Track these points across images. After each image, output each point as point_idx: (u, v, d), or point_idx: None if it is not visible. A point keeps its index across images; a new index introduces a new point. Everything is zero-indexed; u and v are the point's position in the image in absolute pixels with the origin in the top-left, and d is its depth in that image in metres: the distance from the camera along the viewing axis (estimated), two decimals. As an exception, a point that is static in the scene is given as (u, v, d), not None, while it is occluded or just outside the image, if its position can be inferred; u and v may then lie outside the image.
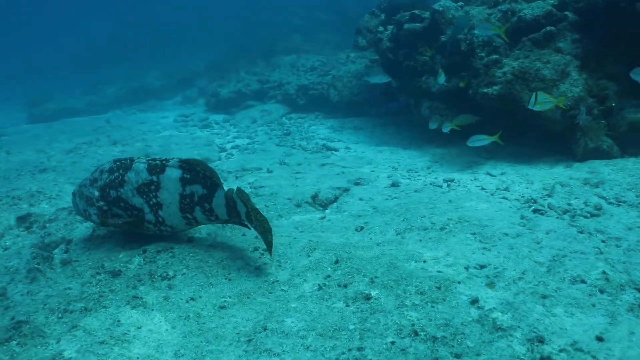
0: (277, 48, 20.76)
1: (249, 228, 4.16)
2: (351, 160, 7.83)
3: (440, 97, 8.19)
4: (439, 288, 3.40)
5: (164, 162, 4.16)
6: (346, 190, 6.03)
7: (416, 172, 7.09)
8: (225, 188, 4.08)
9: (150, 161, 4.22)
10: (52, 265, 4.68)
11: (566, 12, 7.16)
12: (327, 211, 5.57)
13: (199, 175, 4.04)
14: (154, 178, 4.14)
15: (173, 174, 4.09)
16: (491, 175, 6.40)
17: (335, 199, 5.83)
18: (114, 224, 4.40)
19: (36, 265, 4.59)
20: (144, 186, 4.17)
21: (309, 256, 4.16)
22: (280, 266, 4.04)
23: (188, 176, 4.05)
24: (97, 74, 29.11)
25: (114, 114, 20.05)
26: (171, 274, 3.87)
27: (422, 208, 5.01)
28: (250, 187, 6.27)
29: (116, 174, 4.30)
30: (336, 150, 8.98)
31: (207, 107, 15.61)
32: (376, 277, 3.62)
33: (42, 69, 34.69)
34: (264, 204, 5.54)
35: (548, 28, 6.85)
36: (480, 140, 6.72)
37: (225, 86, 15.51)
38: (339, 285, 3.59)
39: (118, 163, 4.34)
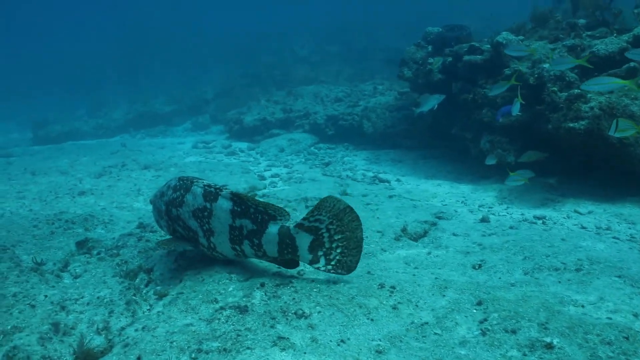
0: (292, 78, 20.66)
1: (297, 266, 4.05)
2: (417, 193, 7.53)
3: (503, 131, 7.97)
4: (626, 338, 3.06)
5: (217, 190, 4.06)
6: (433, 224, 5.71)
7: (490, 207, 6.80)
8: (296, 218, 3.84)
9: (206, 187, 4.13)
10: (146, 297, 4.29)
11: (642, 49, 7.02)
12: (419, 244, 5.23)
13: (249, 210, 3.89)
14: (208, 205, 4.05)
15: (224, 204, 3.98)
16: (580, 213, 6.13)
17: (425, 233, 5.51)
18: (175, 240, 4.42)
19: (133, 297, 4.19)
20: (198, 211, 4.11)
21: (444, 296, 3.81)
22: (417, 306, 3.68)
23: (238, 209, 3.92)
24: (97, 94, 28.76)
25: (122, 137, 19.68)
26: (307, 311, 3.48)
27: (539, 246, 4.70)
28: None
29: (178, 193, 4.28)
30: (388, 182, 8.69)
31: (229, 134, 15.26)
32: (546, 322, 3.27)
33: (38, 88, 34.23)
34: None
35: (631, 64, 6.69)
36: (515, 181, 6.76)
37: (247, 114, 15.21)
38: (506, 331, 3.23)
39: (181, 182, 4.33)
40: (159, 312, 3.75)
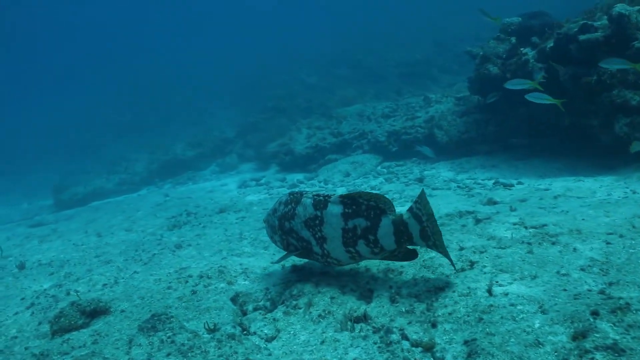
0: (318, 104, 19.96)
1: (416, 256, 4.02)
2: (575, 190, 6.59)
3: (642, 111, 7.11)
4: None
5: (326, 198, 4.16)
6: (653, 216, 4.80)
7: (676, 192, 5.92)
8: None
9: (315, 197, 4.25)
10: (407, 351, 3.30)
11: None
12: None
13: (361, 207, 3.96)
14: (318, 213, 4.18)
15: (334, 209, 4.07)
16: None
17: (655, 226, 4.57)
18: (291, 252, 4.53)
19: (402, 352, 3.20)
20: (310, 220, 4.24)
21: None
22: None
23: (349, 211, 4.00)
24: (102, 152, 27.77)
25: (149, 189, 18.78)
26: None
27: None
28: (524, 228, 4.99)
29: (289, 207, 4.42)
30: (512, 186, 7.78)
31: (279, 167, 14.32)
32: None
33: (22, 158, 33.00)
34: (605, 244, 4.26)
35: None
36: None
37: (293, 143, 14.33)
38: None
39: (291, 196, 4.46)
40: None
